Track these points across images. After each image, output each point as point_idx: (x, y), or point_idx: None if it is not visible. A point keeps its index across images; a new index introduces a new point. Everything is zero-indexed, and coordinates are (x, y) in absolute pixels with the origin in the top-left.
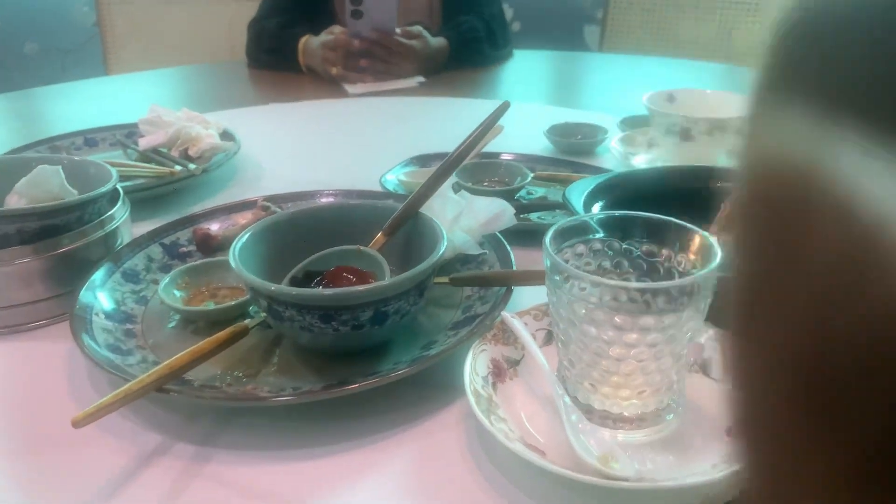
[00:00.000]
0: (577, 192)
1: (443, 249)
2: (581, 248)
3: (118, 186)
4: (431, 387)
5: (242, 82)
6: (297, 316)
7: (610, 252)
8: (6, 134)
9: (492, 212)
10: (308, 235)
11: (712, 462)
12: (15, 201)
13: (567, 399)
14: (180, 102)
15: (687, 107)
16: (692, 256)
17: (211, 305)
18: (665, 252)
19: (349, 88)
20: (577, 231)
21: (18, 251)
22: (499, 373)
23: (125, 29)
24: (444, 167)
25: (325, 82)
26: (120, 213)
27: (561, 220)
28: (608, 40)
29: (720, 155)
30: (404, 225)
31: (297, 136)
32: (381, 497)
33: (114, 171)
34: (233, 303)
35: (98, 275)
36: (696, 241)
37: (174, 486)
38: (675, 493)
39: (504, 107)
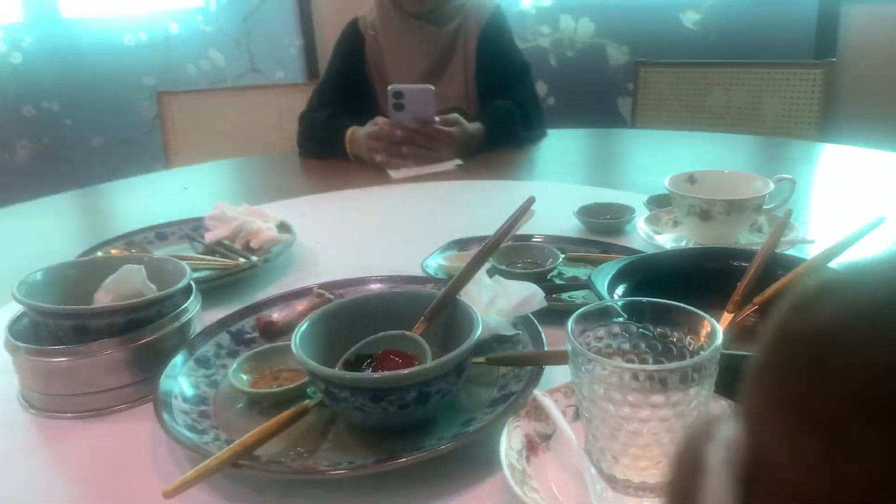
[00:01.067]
0: (602, 276)
1: (478, 334)
2: (601, 332)
3: (191, 282)
4: (471, 460)
5: (294, 171)
6: (351, 397)
7: (627, 335)
8: (83, 228)
9: (523, 294)
10: (358, 321)
11: None
12: (102, 296)
13: (593, 470)
14: (238, 193)
15: (707, 188)
16: (700, 337)
17: (274, 388)
18: (677, 334)
19: (393, 174)
20: (597, 316)
21: (107, 343)
22: (532, 447)
23: (183, 121)
24: (477, 257)
25: (370, 169)
26: (193, 306)
27: (581, 307)
28: (641, 112)
29: (739, 232)
30: (443, 311)
31: (346, 223)
32: None
33: (187, 268)
34: (293, 385)
35: (175, 362)
36: (703, 324)
37: None
38: None
39: (529, 202)
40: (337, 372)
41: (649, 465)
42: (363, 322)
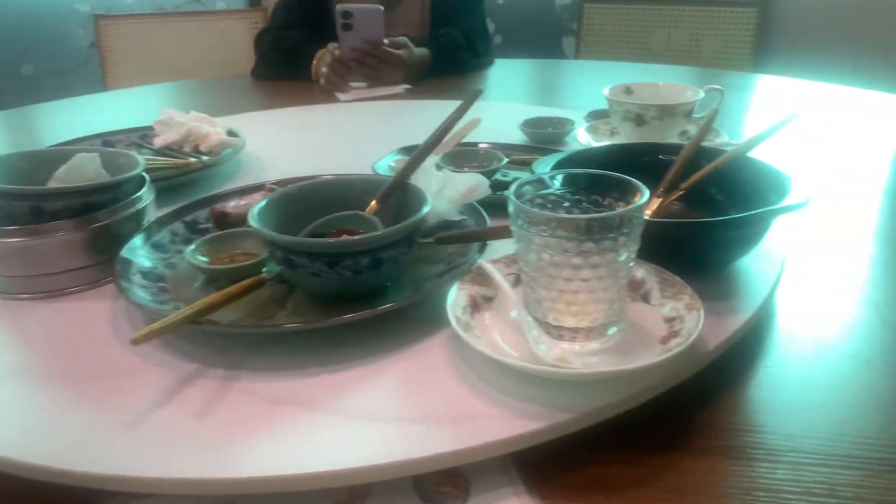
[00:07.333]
0: (544, 166)
1: (427, 208)
2: (539, 201)
3: (143, 173)
4: (419, 321)
5: (243, 92)
6: (308, 262)
7: (565, 203)
8: (15, 147)
9: (469, 184)
10: (313, 205)
11: (648, 363)
12: (56, 185)
13: (530, 318)
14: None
15: (642, 97)
16: (631, 202)
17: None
18: (608, 200)
19: (341, 96)
20: (537, 186)
21: (63, 224)
22: (475, 305)
23: (122, 48)
24: (426, 145)
25: (319, 92)
26: (147, 195)
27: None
28: (584, 51)
29: (670, 138)
30: (395, 194)
31: (294, 136)
32: (381, 398)
33: (140, 159)
34: (250, 262)
35: (133, 243)
36: (633, 190)
37: (211, 398)
38: (614, 377)
39: (476, 93)
40: (295, 238)
41: (580, 310)
42: (318, 206)
